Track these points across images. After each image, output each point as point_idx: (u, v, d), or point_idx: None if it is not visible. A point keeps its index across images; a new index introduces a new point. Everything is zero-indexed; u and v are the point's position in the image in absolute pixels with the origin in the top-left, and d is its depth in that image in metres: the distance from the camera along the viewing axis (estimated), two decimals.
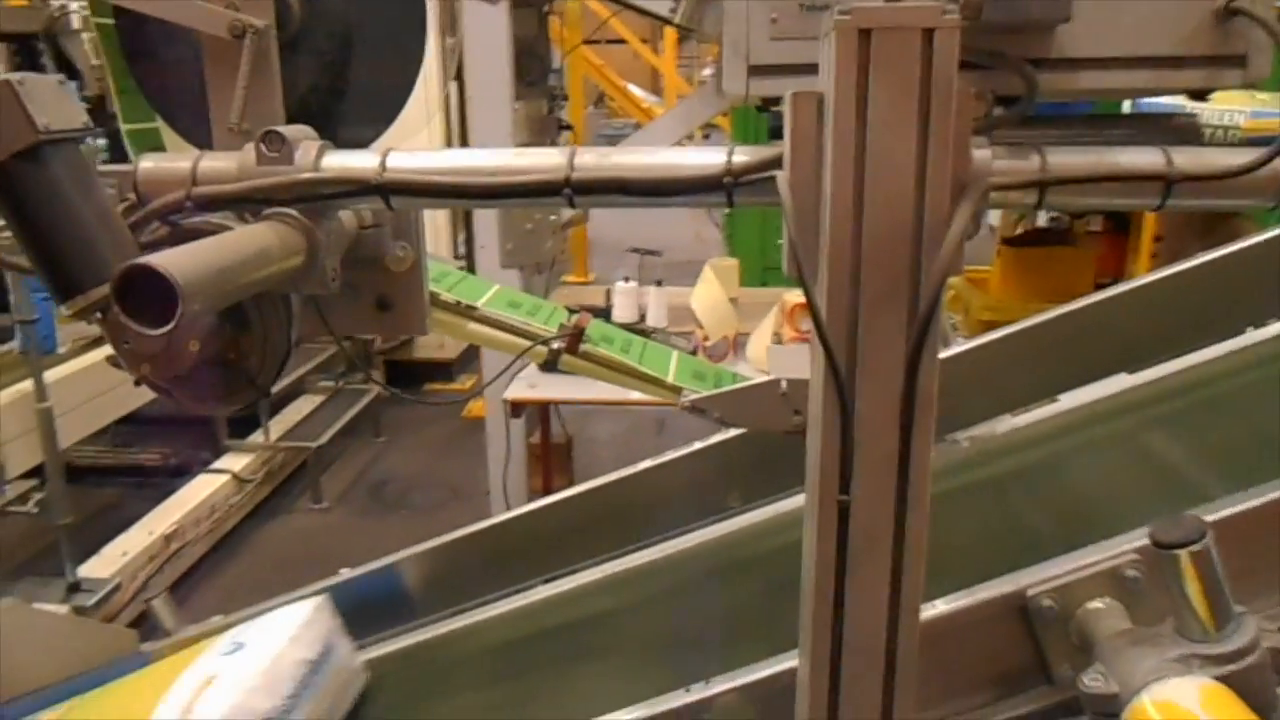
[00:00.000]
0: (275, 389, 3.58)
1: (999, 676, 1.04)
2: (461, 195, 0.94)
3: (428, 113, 5.09)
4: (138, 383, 1.08)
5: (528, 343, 1.38)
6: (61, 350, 3.49)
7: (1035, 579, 1.02)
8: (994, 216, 6.56)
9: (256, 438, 4.61)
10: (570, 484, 4.14)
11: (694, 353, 3.37)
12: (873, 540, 0.84)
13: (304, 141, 0.99)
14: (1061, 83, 0.95)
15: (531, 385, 3.32)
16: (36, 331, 3.14)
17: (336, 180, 0.96)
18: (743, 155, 0.94)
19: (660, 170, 0.93)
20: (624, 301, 3.47)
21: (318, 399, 5.18)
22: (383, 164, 0.96)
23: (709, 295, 3.45)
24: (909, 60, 0.76)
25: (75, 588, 3.28)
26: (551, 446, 3.87)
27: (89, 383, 3.60)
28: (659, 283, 3.59)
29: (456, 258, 5.89)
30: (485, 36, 3.48)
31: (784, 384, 1.26)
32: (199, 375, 1.06)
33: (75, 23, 4.46)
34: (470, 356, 6.50)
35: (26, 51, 4.72)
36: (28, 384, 3.15)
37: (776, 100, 1.08)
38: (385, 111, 1.34)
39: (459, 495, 4.73)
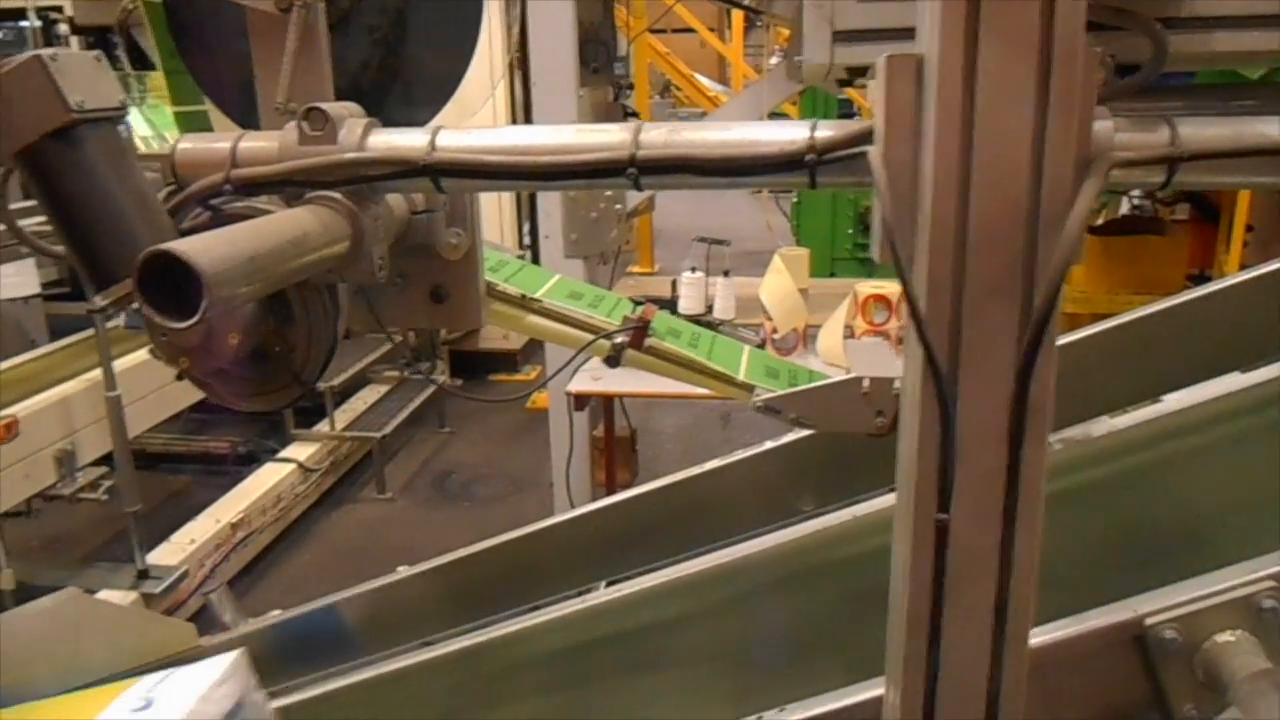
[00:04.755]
0: (341, 379, 3.57)
1: (1110, 714, 0.93)
2: (516, 176, 0.87)
3: (494, 110, 5.05)
4: (179, 377, 1.03)
5: (589, 337, 1.30)
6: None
7: (1154, 606, 0.91)
8: None
9: (322, 427, 4.62)
10: (634, 477, 4.09)
11: (762, 345, 3.26)
12: (975, 563, 0.74)
13: (349, 119, 0.92)
14: (1193, 44, 0.84)
15: (595, 378, 3.25)
16: (104, 320, 3.16)
17: (383, 160, 0.89)
18: (827, 130, 0.84)
19: (735, 148, 0.84)
20: (690, 292, 3.37)
21: (383, 389, 5.18)
22: (432, 143, 0.89)
23: (778, 286, 3.33)
24: (1027, 19, 0.65)
25: (144, 575, 3.30)
26: (615, 439, 3.79)
27: (160, 370, 3.63)
28: (726, 273, 3.49)
29: (521, 248, 5.86)
30: (550, 22, 3.41)
31: (866, 383, 1.16)
32: (240, 369, 1.01)
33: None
34: (535, 347, 6.46)
35: (102, 44, 4.79)
36: (99, 373, 3.18)
37: (862, 71, 0.98)
38: (439, 92, 1.27)
39: (522, 487, 4.69)
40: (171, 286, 0.71)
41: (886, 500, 1.53)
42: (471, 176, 0.88)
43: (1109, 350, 1.61)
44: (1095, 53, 0.69)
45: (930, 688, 0.78)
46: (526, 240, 5.80)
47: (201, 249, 0.68)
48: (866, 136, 0.81)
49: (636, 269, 7.65)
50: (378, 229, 0.94)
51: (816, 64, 0.93)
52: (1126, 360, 1.61)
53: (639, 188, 0.86)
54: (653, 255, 8.45)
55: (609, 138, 0.85)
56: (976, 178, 0.68)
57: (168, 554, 3.49)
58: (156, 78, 4.38)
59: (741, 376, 1.33)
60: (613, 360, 1.20)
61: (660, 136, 0.85)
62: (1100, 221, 4.27)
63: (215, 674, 1.28)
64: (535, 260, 3.70)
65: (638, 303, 1.31)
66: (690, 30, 10.76)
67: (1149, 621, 0.90)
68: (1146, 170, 0.83)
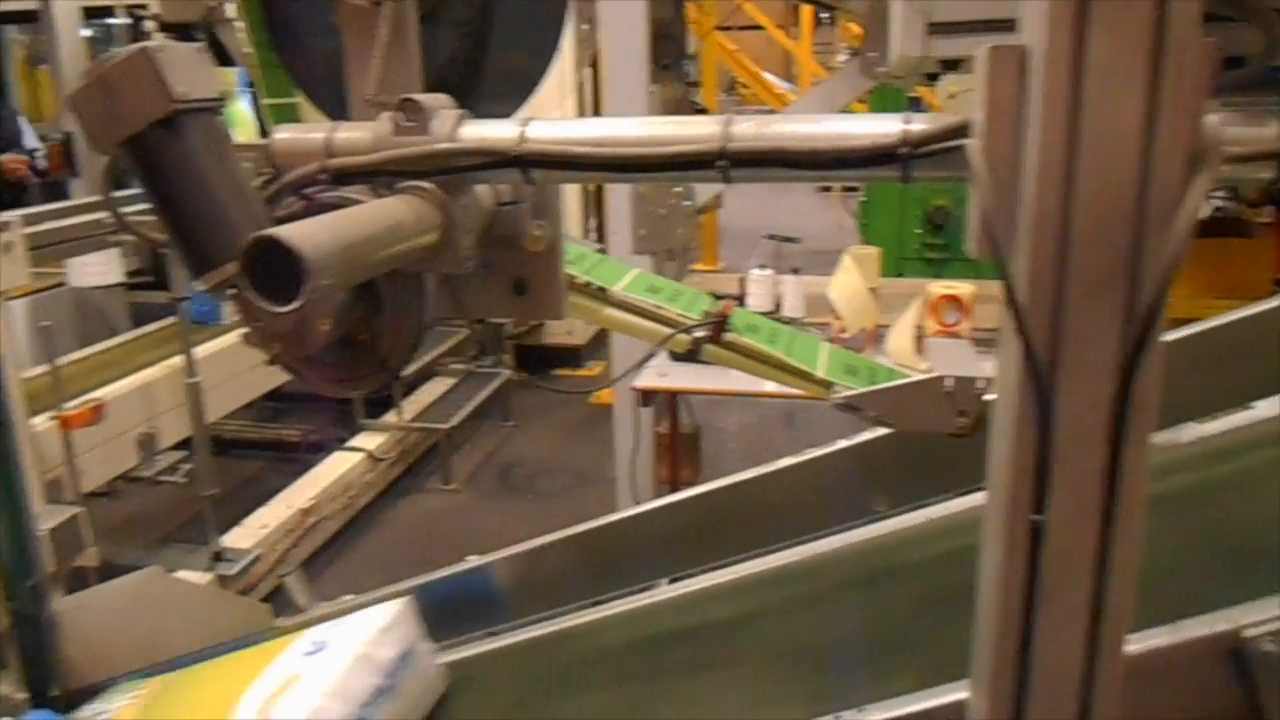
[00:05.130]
0: (409, 370, 3.63)
1: None
2: (606, 168, 0.87)
3: (563, 107, 5.09)
4: (270, 362, 1.05)
5: (668, 330, 1.30)
6: (226, 322, 3.58)
7: (1253, 618, 0.88)
8: None
9: (390, 418, 4.70)
10: (697, 475, 4.08)
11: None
12: (1070, 567, 0.73)
13: (442, 111, 0.93)
14: None
15: (661, 374, 3.25)
16: (190, 308, 3.25)
17: (474, 151, 0.90)
18: (921, 123, 0.83)
19: (827, 140, 0.83)
20: (759, 290, 3.36)
21: (449, 381, 5.25)
22: (523, 135, 0.89)
23: (848, 285, 3.30)
24: (1140, 10, 0.63)
25: (219, 557, 3.39)
26: (679, 436, 3.79)
27: (237, 359, 3.72)
28: (796, 271, 3.46)
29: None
30: (622, 18, 3.41)
31: (949, 382, 1.15)
32: (330, 356, 1.02)
33: (230, 12, 4.62)
34: (599, 342, 6.49)
35: (185, 41, 4.92)
36: (179, 359, 3.27)
37: (953, 65, 0.96)
38: (523, 87, 1.28)
39: (585, 481, 4.72)
40: (271, 272, 0.73)
41: (964, 502, 1.51)
42: (561, 168, 0.89)
43: (1194, 356, 1.56)
44: (1208, 43, 0.67)
45: (1019, 694, 0.77)
46: (594, 235, 5.82)
47: (304, 235, 0.69)
48: (962, 130, 0.79)
49: (700, 266, 7.63)
50: (467, 219, 0.95)
51: (908, 57, 0.92)
52: (1212, 366, 1.56)
53: (728, 180, 0.86)
54: (717, 253, 8.43)
55: (699, 130, 0.85)
56: (1082, 172, 0.67)
57: (241, 537, 3.58)
58: (229, 74, 4.48)
59: (820, 373, 1.32)
60: (692, 354, 1.20)
61: (750, 129, 0.85)
62: None
63: (383, 620, 1.34)
64: None
65: (718, 297, 1.31)
66: (757, 28, 10.69)
67: (1248, 633, 0.87)
68: (1254, 166, 0.80)
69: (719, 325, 1.16)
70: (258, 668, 1.28)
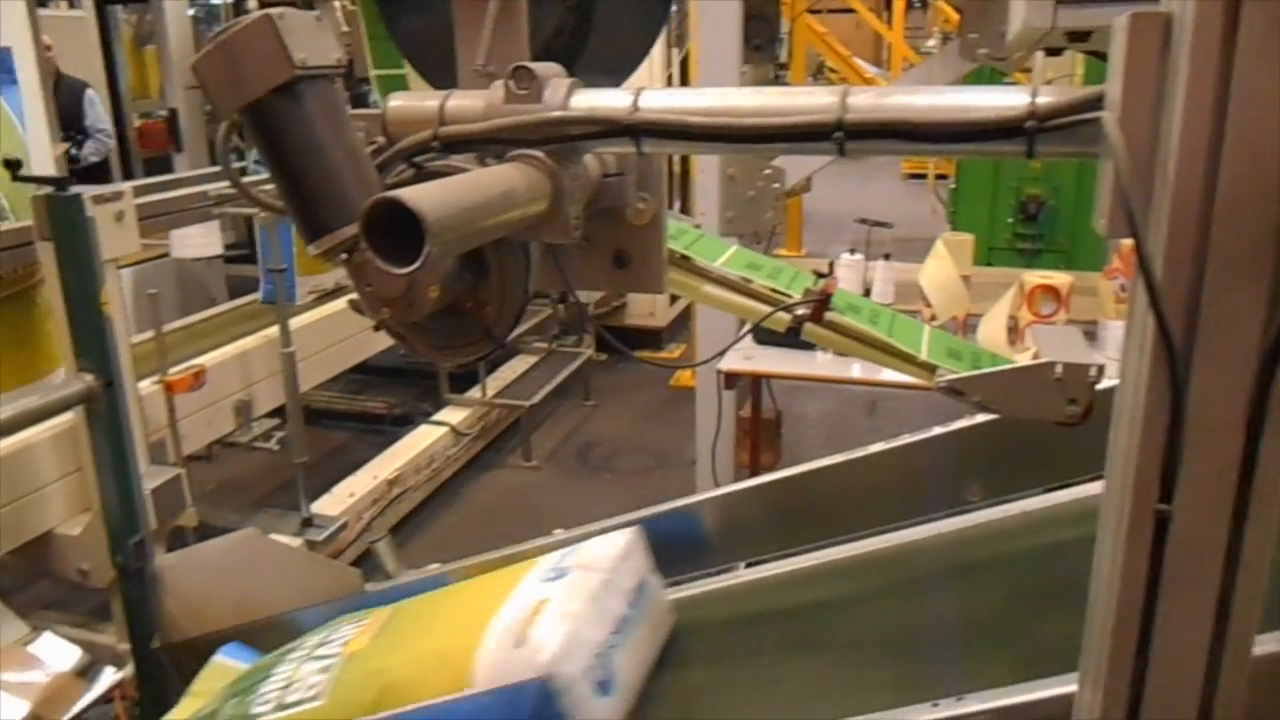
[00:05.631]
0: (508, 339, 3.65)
1: None
2: (718, 138, 0.86)
3: (650, 75, 5.07)
4: (376, 328, 1.07)
5: (767, 308, 1.29)
6: (300, 302, 3.66)
7: None
8: None
9: (474, 393, 4.77)
10: (777, 460, 4.04)
11: None
12: (1199, 559, 0.70)
13: (553, 79, 0.93)
14: None
15: (746, 357, 3.23)
16: (266, 288, 3.33)
17: (587, 120, 0.89)
18: (1049, 95, 0.80)
19: (949, 113, 0.81)
20: (848, 275, 3.30)
21: (532, 359, 5.30)
22: (635, 103, 0.89)
23: (940, 272, 3.22)
24: None
25: (308, 523, 3.49)
26: (761, 421, 3.77)
27: (326, 332, 3.81)
28: (887, 256, 3.40)
29: None
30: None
31: (1059, 368, 1.11)
32: (436, 323, 1.04)
33: None
34: (680, 325, 6.48)
35: None
36: (274, 330, 3.36)
37: (1085, 35, 0.93)
38: (628, 60, 1.27)
39: (664, 462, 4.72)
40: (388, 235, 0.74)
41: (1064, 495, 1.47)
42: (674, 138, 0.88)
43: None
44: None
45: (1135, 691, 0.74)
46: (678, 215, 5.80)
47: (424, 197, 0.70)
48: (1096, 103, 0.76)
49: (784, 251, 7.56)
50: (575, 189, 0.95)
51: (1034, 29, 0.88)
52: None
53: (843, 153, 0.84)
54: (801, 238, 8.34)
55: (815, 100, 0.83)
56: (1228, 147, 0.63)
57: (329, 505, 3.68)
58: None
59: (923, 356, 1.29)
60: (793, 333, 1.18)
61: (869, 100, 0.83)
62: None
63: (616, 548, 1.34)
64: None
65: (820, 275, 1.29)
66: (847, 11, 10.50)
67: None
68: None
69: (822, 304, 1.14)
70: (498, 594, 1.27)
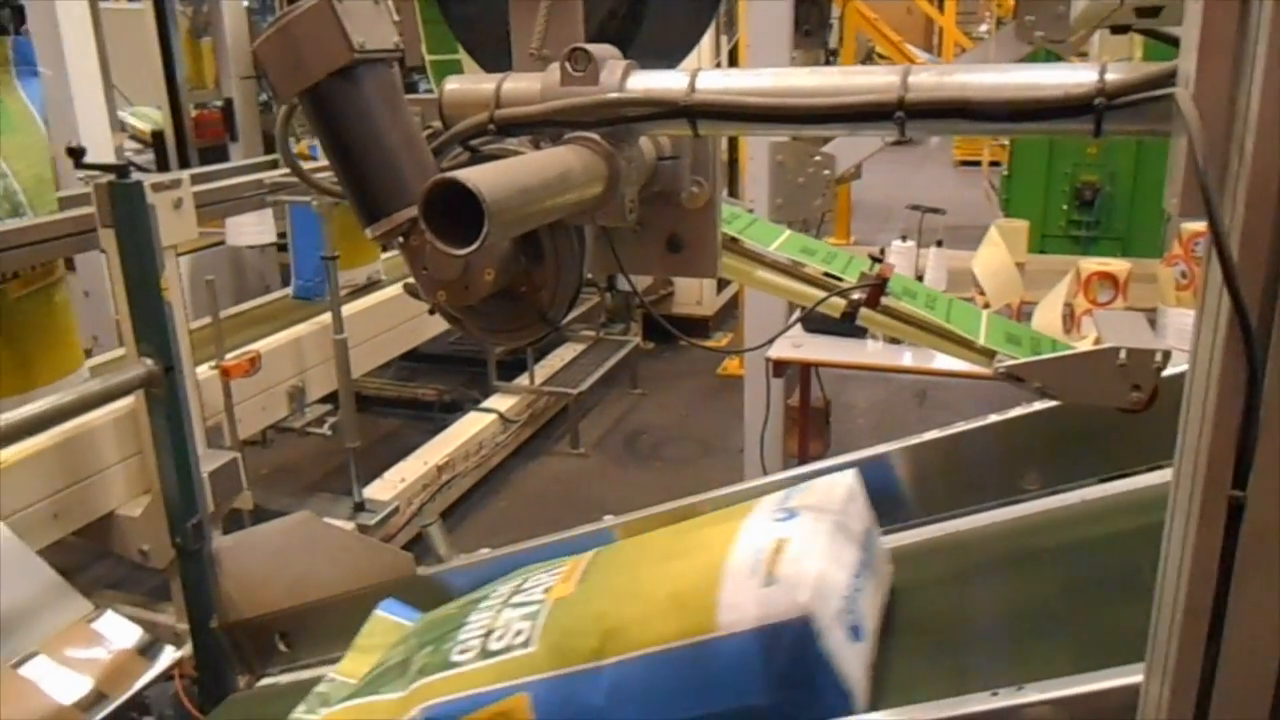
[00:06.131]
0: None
1: None
2: (777, 119, 0.85)
3: (698, 60, 5.04)
4: (432, 311, 1.08)
5: (822, 293, 1.27)
6: (329, 299, 3.66)
7: None
8: None
9: (522, 381, 4.80)
10: (826, 449, 4.01)
11: None
12: (1273, 547, 0.68)
13: (610, 61, 0.93)
14: None
15: (796, 345, 3.21)
16: (313, 277, 3.37)
17: (643, 101, 0.89)
18: (1119, 73, 0.78)
19: (1014, 90, 0.79)
20: (901, 261, 3.26)
21: (579, 347, 5.32)
22: (692, 84, 0.88)
23: (993, 258, 3.18)
24: None
25: (360, 507, 3.54)
26: (810, 409, 3.74)
27: (378, 319, 3.86)
28: (940, 243, 3.36)
29: None
30: None
31: (1122, 354, 1.08)
32: (491, 307, 1.04)
33: None
34: (727, 314, 6.46)
35: None
36: (327, 317, 3.41)
37: (1154, 12, 0.90)
38: (682, 42, 1.26)
39: (711, 451, 4.72)
40: (446, 217, 0.74)
41: (1124, 485, 1.44)
42: (731, 120, 0.87)
43: None
44: None
45: (1206, 681, 0.72)
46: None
47: (483, 178, 0.70)
48: (1167, 79, 0.74)
49: (832, 240, 7.49)
50: (631, 171, 0.95)
51: (1103, 3, 0.86)
52: None
53: (904, 133, 0.82)
54: (849, 226, 8.26)
55: (876, 79, 0.82)
56: None
57: (380, 490, 3.73)
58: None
59: (981, 341, 1.27)
60: (849, 317, 1.17)
61: (930, 79, 0.81)
62: None
63: (842, 490, 1.30)
64: None
65: (876, 259, 1.27)
66: None
67: None
68: None
69: (879, 288, 1.13)
70: (721, 536, 1.21)
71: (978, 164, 10.76)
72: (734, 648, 1.08)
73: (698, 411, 5.20)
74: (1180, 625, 0.73)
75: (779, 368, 3.28)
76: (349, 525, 3.34)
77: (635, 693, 1.12)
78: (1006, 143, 7.37)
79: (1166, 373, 1.12)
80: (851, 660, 1.09)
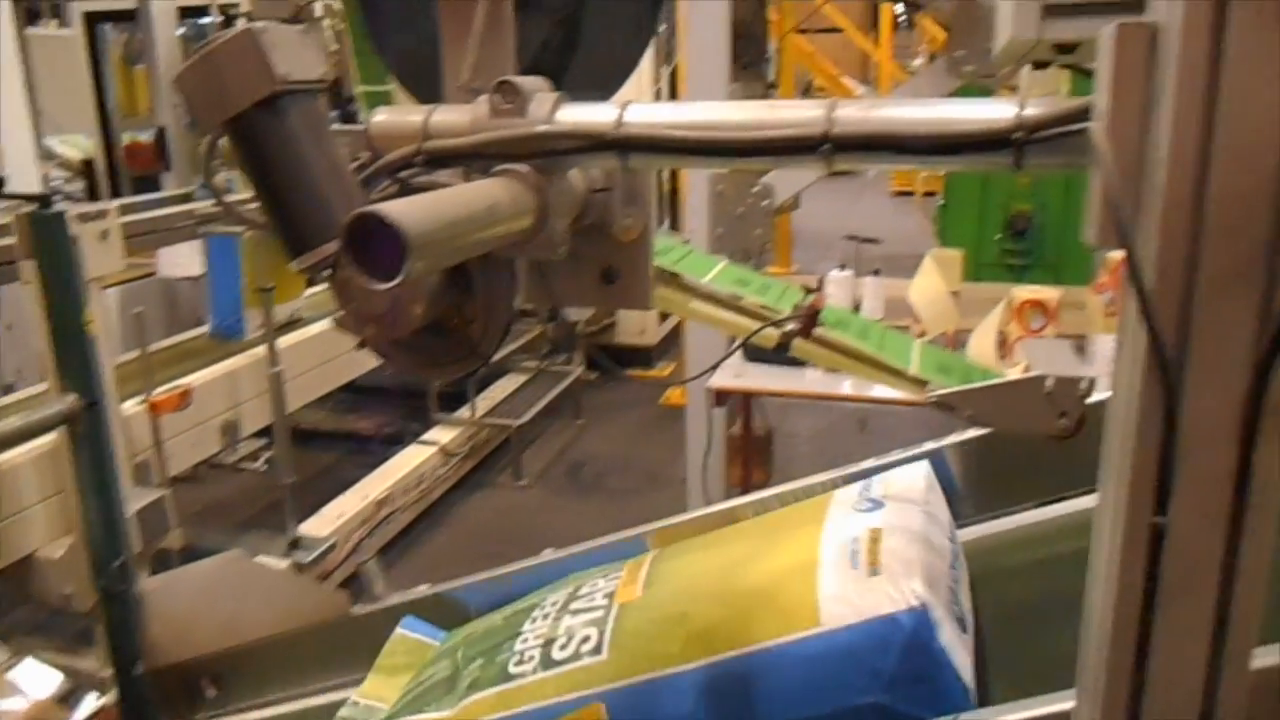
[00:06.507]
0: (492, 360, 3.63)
1: None
2: (705, 152, 0.85)
3: (639, 92, 5.08)
4: (361, 345, 1.06)
5: (756, 323, 1.28)
6: (249, 336, 3.58)
7: None
8: None
9: (463, 413, 4.75)
10: (769, 478, 4.03)
11: None
12: (1196, 571, 0.69)
13: (539, 93, 0.93)
14: None
15: (736, 375, 3.22)
16: (231, 315, 3.31)
17: (572, 134, 0.89)
18: (1037, 108, 0.79)
19: (936, 125, 0.80)
20: (838, 291, 3.31)
21: (521, 378, 5.29)
22: (621, 117, 0.88)
23: (929, 287, 3.24)
24: None
25: (295, 544, 3.46)
26: (752, 438, 3.76)
27: (315, 351, 3.80)
28: (876, 272, 3.41)
29: None
30: (705, 15, 3.40)
31: (1049, 381, 1.10)
32: (420, 341, 1.02)
33: (319, 10, 4.71)
34: (670, 343, 6.48)
35: None
36: (262, 349, 3.35)
37: (1072, 48, 0.92)
38: (616, 74, 1.27)
39: (655, 481, 4.71)
40: (370, 251, 0.73)
41: (1058, 509, 1.46)
42: (660, 152, 0.87)
43: None
44: None
45: (1133, 707, 0.73)
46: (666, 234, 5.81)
47: (405, 211, 0.69)
48: (1083, 114, 0.76)
49: (774, 269, 7.56)
50: (561, 204, 0.94)
51: (1019, 40, 0.88)
52: None
53: (831, 166, 0.83)
54: (790, 255, 8.35)
55: (802, 113, 0.83)
56: (1217, 156, 0.63)
57: (317, 526, 3.65)
58: None
59: (913, 371, 1.28)
60: (782, 349, 1.17)
61: (856, 113, 0.82)
62: None
63: (921, 479, 1.26)
64: None
65: (809, 290, 1.28)
66: (835, 30, 10.59)
67: None
68: None
69: (810, 319, 1.14)
70: (803, 532, 1.15)
71: (923, 194, 10.99)
72: (841, 644, 1.01)
73: (641, 442, 5.19)
74: (1108, 651, 0.73)
75: (720, 397, 3.29)
76: (284, 563, 3.27)
77: (727, 696, 1.06)
78: (942, 174, 7.54)
79: (1093, 399, 1.14)
80: (963, 653, 1.04)
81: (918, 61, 12.20)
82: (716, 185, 3.50)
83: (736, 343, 1.29)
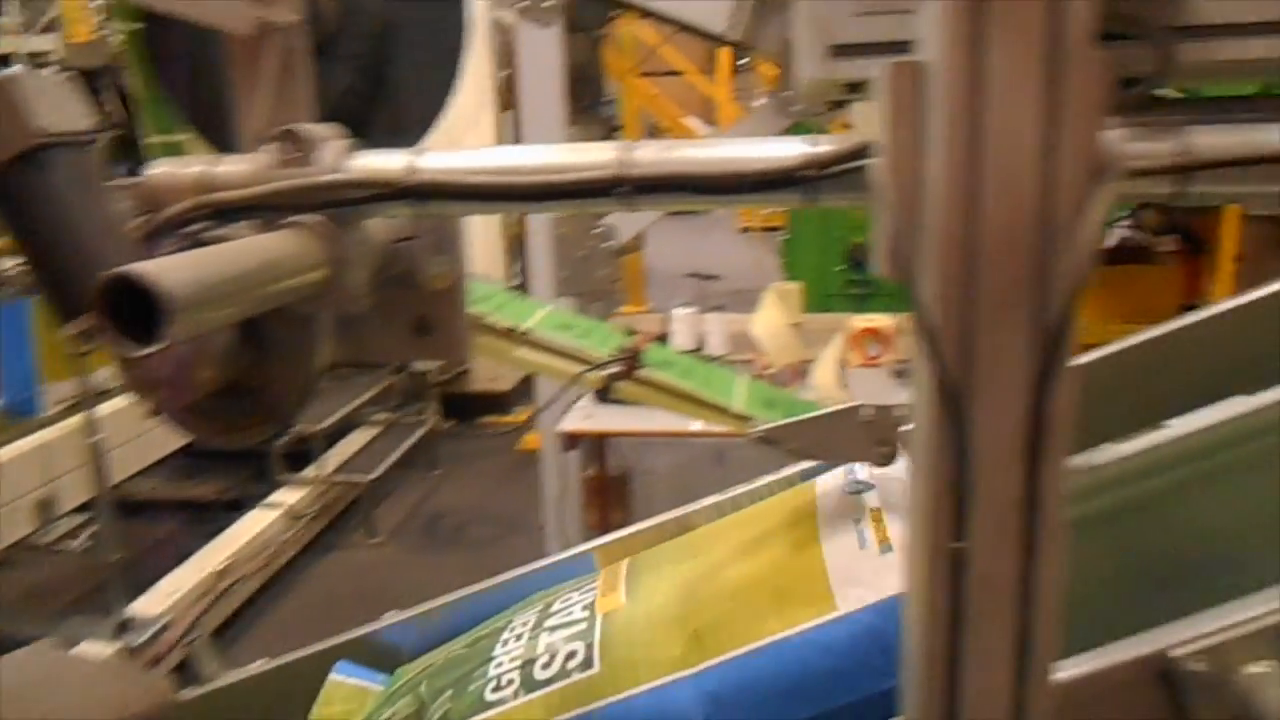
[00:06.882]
0: (329, 422, 3.51)
1: None
2: (500, 197, 0.83)
3: (480, 138, 5.06)
4: (153, 413, 0.99)
5: (579, 368, 1.26)
6: (46, 413, 3.33)
7: (1179, 637, 0.86)
8: None
9: (310, 471, 4.56)
10: (627, 519, 4.02)
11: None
12: (995, 594, 0.70)
13: (329, 142, 0.89)
14: (1199, 53, 0.81)
15: (587, 416, 3.21)
16: (25, 390, 3.09)
17: (362, 183, 0.85)
18: (826, 145, 0.81)
19: (729, 164, 0.81)
20: (683, 328, 3.35)
21: (373, 432, 5.13)
22: (413, 165, 0.85)
23: (771, 321, 3.31)
24: (1034, 23, 0.62)
25: (125, 626, 3.22)
26: (608, 480, 3.74)
27: (143, 416, 3.57)
28: (719, 308, 3.47)
29: (512, 287, 5.83)
30: (538, 60, 3.41)
31: (866, 411, 1.12)
32: (216, 405, 0.96)
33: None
34: (526, 388, 6.42)
35: (92, 87, 4.78)
36: (80, 417, 3.12)
37: (858, 87, 0.95)
38: (424, 119, 1.24)
39: (515, 529, 4.62)
40: (138, 314, 0.67)
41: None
42: (454, 199, 0.85)
43: (1105, 378, 1.58)
44: (1104, 57, 0.66)
45: None
46: (519, 279, 5.78)
47: (162, 271, 0.64)
48: (866, 150, 0.78)
49: (628, 309, 7.62)
50: (358, 256, 0.90)
51: (813, 80, 0.90)
52: (1123, 388, 1.57)
53: (629, 207, 0.83)
54: (644, 294, 8.44)
55: (596, 156, 0.82)
56: (984, 187, 0.65)
57: (150, 604, 3.41)
58: None
59: (737, 408, 1.29)
60: (603, 392, 1.16)
61: (651, 154, 0.82)
62: None
63: (900, 460, 1.15)
64: None
65: (631, 333, 1.27)
66: (679, 73, 10.86)
67: (1174, 654, 0.85)
68: (1156, 180, 0.80)
69: (631, 361, 1.13)
70: (795, 521, 1.11)
71: (763, 229, 11.31)
72: (862, 626, 0.97)
73: (499, 489, 5.10)
74: (922, 673, 0.74)
75: (571, 440, 3.26)
76: (111, 648, 3.03)
77: (743, 694, 0.99)
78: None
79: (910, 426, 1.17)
80: None
81: (760, 101, 12.63)
82: (558, 229, 3.49)
83: (559, 389, 1.27)
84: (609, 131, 5.22)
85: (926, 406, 0.69)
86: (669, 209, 0.83)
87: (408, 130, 1.22)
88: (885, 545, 1.04)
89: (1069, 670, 0.86)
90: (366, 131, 1.13)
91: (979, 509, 0.69)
